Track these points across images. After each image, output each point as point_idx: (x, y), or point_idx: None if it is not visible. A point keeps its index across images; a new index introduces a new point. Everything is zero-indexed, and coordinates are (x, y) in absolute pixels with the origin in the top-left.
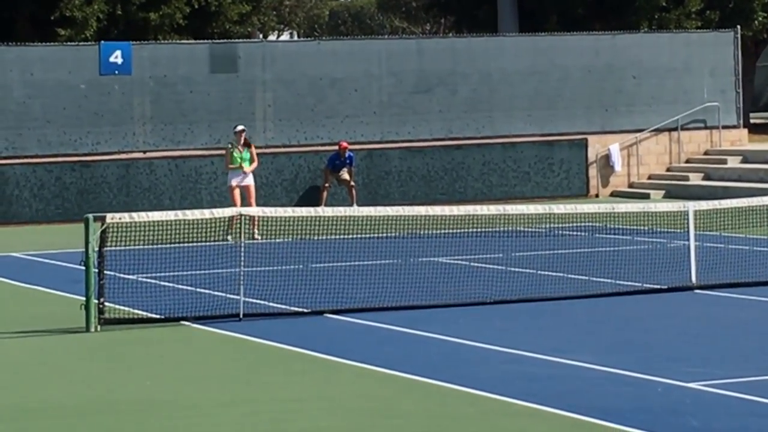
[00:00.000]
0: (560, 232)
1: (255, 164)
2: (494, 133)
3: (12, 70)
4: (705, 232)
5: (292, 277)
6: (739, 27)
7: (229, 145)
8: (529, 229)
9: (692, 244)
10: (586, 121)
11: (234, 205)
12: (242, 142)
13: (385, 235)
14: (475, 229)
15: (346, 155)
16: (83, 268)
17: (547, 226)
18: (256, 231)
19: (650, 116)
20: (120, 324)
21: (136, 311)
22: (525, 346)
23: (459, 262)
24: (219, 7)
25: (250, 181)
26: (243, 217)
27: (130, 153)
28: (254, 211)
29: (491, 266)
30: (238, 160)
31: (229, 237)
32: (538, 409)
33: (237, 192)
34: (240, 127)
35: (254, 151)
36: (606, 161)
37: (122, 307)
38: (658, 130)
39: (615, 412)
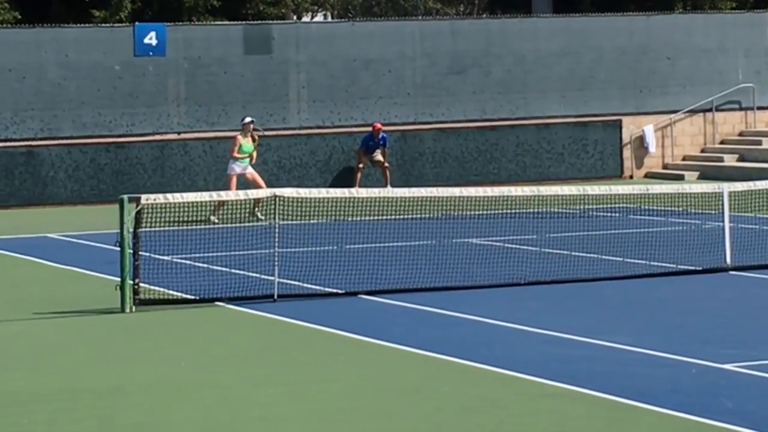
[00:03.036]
0: (594, 213)
1: (254, 154)
2: (528, 114)
3: (47, 51)
4: (739, 213)
5: (327, 258)
6: None
7: (240, 135)
8: (563, 211)
9: (727, 225)
10: (620, 102)
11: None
12: (249, 133)
13: (419, 216)
14: (508, 211)
15: (380, 136)
16: (118, 248)
17: (581, 207)
18: (259, 211)
19: (684, 97)
20: (155, 305)
21: (170, 292)
22: (559, 328)
23: (493, 243)
24: None
25: (250, 168)
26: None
27: (165, 134)
28: (288, 192)
29: (525, 247)
30: (249, 149)
31: (258, 213)
32: (573, 390)
33: (235, 179)
34: (248, 119)
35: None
36: (640, 142)
37: (157, 288)
38: (693, 111)
39: (649, 393)
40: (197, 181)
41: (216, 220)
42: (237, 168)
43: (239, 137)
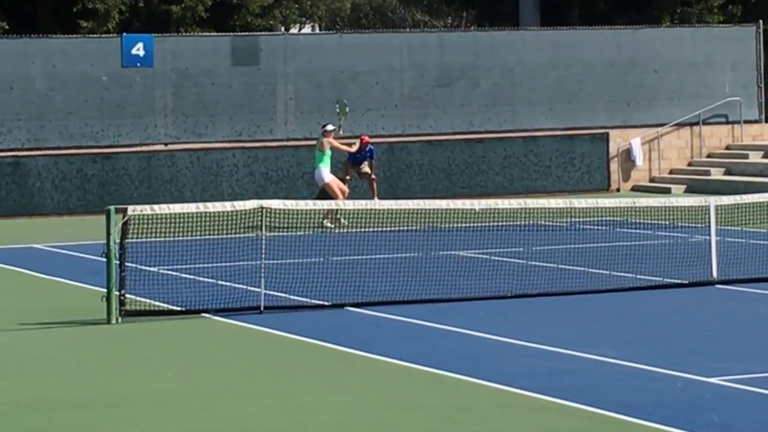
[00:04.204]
0: (581, 226)
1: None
2: (515, 126)
3: (34, 62)
4: (726, 227)
5: (313, 269)
6: (761, 22)
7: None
8: (550, 223)
9: (713, 238)
10: (608, 115)
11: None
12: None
13: (405, 228)
14: (495, 223)
15: (367, 149)
16: (104, 259)
17: (568, 220)
18: (330, 220)
19: (672, 111)
20: (141, 316)
21: (157, 303)
22: (546, 340)
23: (480, 255)
24: (241, 0)
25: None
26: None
27: (152, 145)
28: (275, 204)
29: (512, 260)
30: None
31: (326, 222)
32: (559, 403)
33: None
34: (330, 127)
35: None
36: (627, 155)
37: (143, 299)
38: (680, 125)
39: (635, 406)
40: (184, 192)
41: (330, 225)
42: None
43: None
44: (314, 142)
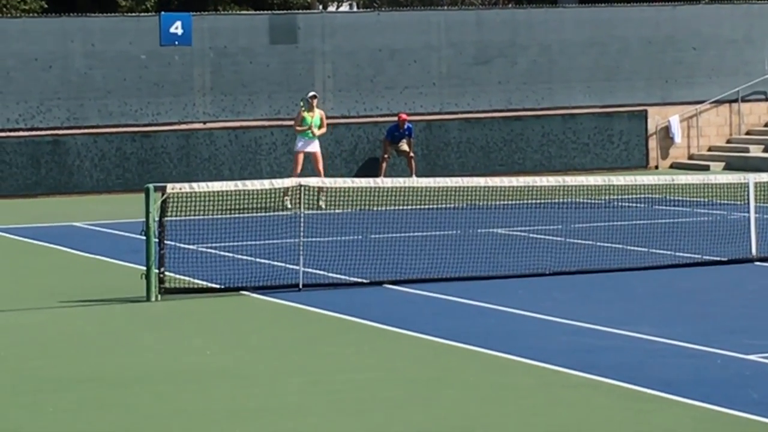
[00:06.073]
0: (619, 203)
1: (323, 130)
2: (553, 104)
3: (73, 41)
4: (765, 204)
5: (352, 247)
6: None
7: (302, 106)
8: (588, 201)
9: (752, 216)
10: (646, 92)
11: (295, 169)
12: (314, 107)
13: (444, 206)
14: (534, 201)
15: (405, 126)
16: (144, 237)
17: (607, 197)
18: (322, 201)
19: (710, 88)
20: (180, 294)
21: (196, 281)
22: (584, 318)
23: (518, 233)
24: None
25: (316, 147)
26: (302, 188)
27: (191, 123)
28: (314, 182)
29: (550, 237)
30: (309, 121)
31: (287, 200)
32: (597, 380)
33: (301, 157)
34: (312, 93)
35: (324, 118)
36: (666, 133)
37: (182, 277)
38: (719, 102)
39: (675, 383)
40: (222, 170)
41: (289, 203)
42: (299, 144)
43: (301, 109)
44: (352, 121)
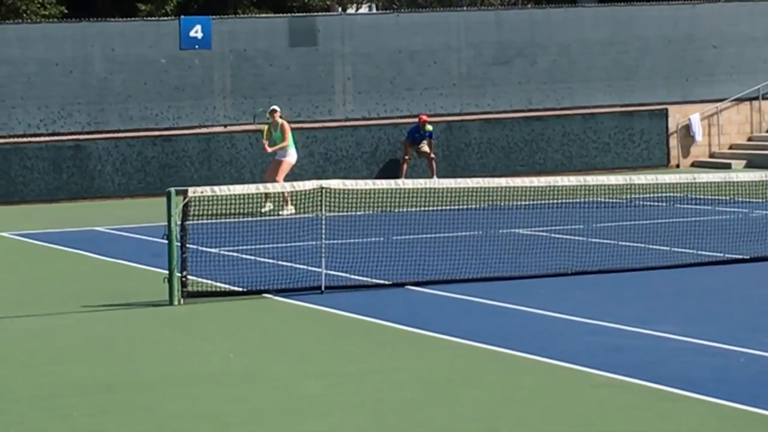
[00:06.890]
0: (641, 202)
1: (285, 143)
2: (574, 104)
3: (93, 45)
4: None
5: (373, 249)
6: None
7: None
8: (610, 200)
9: None
10: (666, 91)
11: (272, 176)
12: (276, 120)
13: (465, 206)
14: (555, 201)
15: (427, 133)
16: (166, 241)
17: (628, 196)
18: (289, 204)
19: (731, 86)
20: (203, 297)
21: (218, 284)
22: (606, 317)
23: (539, 233)
24: None
25: (284, 156)
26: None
27: (211, 127)
28: (335, 184)
29: (572, 237)
30: (264, 137)
31: (268, 203)
32: (620, 379)
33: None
34: (272, 107)
35: (287, 129)
36: (686, 131)
37: (205, 281)
38: (739, 100)
39: (698, 382)
40: (244, 173)
41: (267, 208)
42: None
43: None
44: (373, 122)
